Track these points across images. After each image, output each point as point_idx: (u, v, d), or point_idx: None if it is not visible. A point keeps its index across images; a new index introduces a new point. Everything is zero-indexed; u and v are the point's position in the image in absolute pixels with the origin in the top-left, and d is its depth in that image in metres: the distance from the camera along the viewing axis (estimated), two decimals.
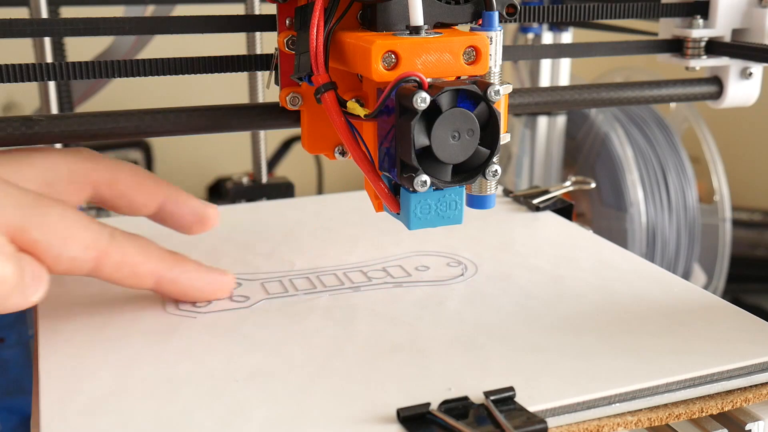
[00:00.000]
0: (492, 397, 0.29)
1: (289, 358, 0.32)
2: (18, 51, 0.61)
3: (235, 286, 0.39)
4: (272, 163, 1.17)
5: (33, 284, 0.31)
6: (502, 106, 0.35)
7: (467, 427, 0.27)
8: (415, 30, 0.31)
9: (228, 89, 0.75)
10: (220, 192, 1.14)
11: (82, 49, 0.62)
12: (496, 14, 0.33)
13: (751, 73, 0.47)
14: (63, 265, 0.32)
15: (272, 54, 0.38)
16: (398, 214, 0.33)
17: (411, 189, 0.30)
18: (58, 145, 0.51)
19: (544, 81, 0.94)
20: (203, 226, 0.40)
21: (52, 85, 0.67)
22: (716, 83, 0.48)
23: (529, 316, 0.36)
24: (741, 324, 0.35)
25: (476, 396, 0.29)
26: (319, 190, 1.28)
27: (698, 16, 0.46)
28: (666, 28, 0.48)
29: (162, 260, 0.35)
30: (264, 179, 0.67)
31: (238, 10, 0.81)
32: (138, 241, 0.35)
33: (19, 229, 0.31)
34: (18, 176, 0.35)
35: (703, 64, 0.46)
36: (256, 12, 0.62)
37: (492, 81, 0.34)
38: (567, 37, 0.93)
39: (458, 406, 0.28)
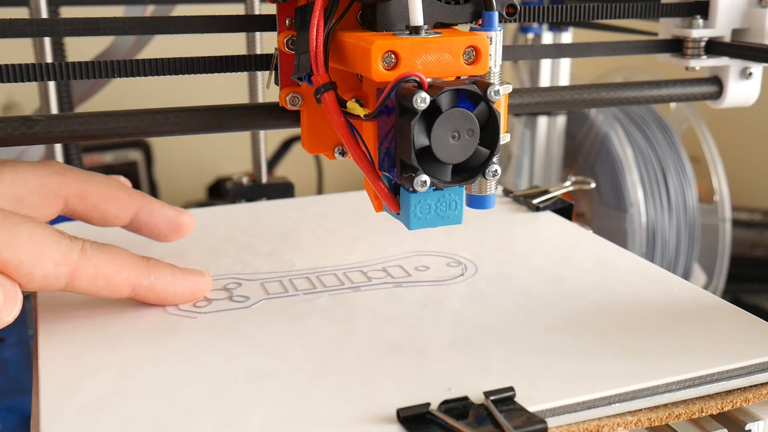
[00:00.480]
0: (492, 397, 0.29)
1: (289, 358, 0.32)
2: (18, 51, 0.62)
3: (212, 286, 0.38)
4: (272, 163, 1.17)
5: (6, 306, 0.30)
6: (502, 106, 0.35)
7: (467, 427, 0.27)
8: (415, 30, 0.31)
9: (228, 89, 0.75)
10: (220, 192, 1.14)
11: (82, 49, 0.62)
12: (496, 14, 0.33)
13: (751, 73, 0.47)
14: (36, 283, 0.32)
15: (272, 54, 0.38)
16: (398, 214, 0.33)
17: (411, 189, 0.30)
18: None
19: (544, 81, 0.94)
20: (178, 234, 0.40)
21: (52, 85, 0.67)
22: (716, 83, 0.48)
23: (529, 316, 0.36)
24: (741, 324, 0.35)
25: (476, 396, 0.29)
26: (319, 190, 1.28)
27: (698, 16, 0.46)
28: (666, 28, 0.48)
29: (136, 268, 0.35)
30: (264, 179, 0.67)
31: (238, 10, 0.81)
32: (110, 251, 0.34)
33: None
34: None
35: (703, 64, 0.46)
36: (256, 12, 0.62)
37: (492, 81, 0.34)
38: (567, 37, 0.93)
39: (458, 406, 0.28)
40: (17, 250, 0.31)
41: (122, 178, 0.42)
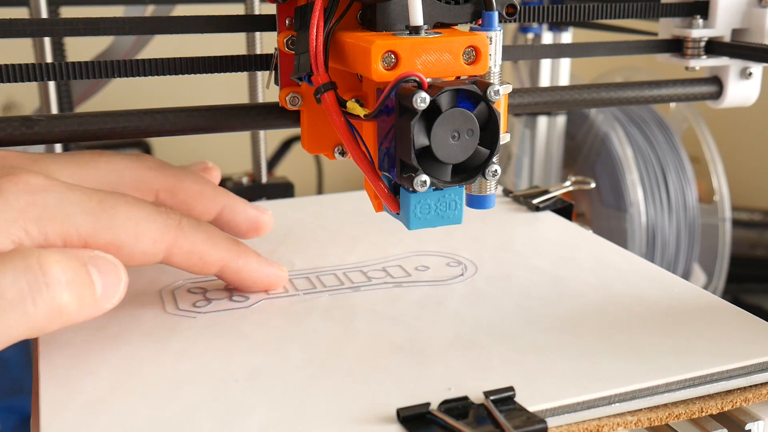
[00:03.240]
0: (492, 397, 0.29)
1: (289, 358, 0.32)
2: (18, 51, 0.62)
3: (286, 281, 0.39)
4: (272, 163, 1.17)
5: (105, 294, 0.31)
6: (501, 106, 0.35)
7: (467, 427, 0.27)
8: (415, 30, 0.31)
9: (228, 89, 0.75)
10: None
11: (82, 49, 0.62)
12: (496, 14, 0.33)
13: (750, 73, 0.47)
14: (135, 261, 0.33)
15: (272, 54, 0.38)
16: (398, 214, 0.33)
17: (411, 189, 0.30)
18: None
19: (544, 81, 0.94)
20: (257, 233, 0.41)
21: (52, 85, 0.67)
22: (716, 83, 0.48)
23: (529, 316, 0.36)
24: (741, 324, 0.35)
25: (476, 396, 0.29)
26: (319, 190, 1.28)
27: (698, 16, 0.46)
28: (666, 28, 0.48)
29: (228, 250, 0.36)
30: (264, 179, 0.67)
31: (238, 10, 0.81)
32: (206, 229, 0.35)
33: (90, 235, 0.31)
34: (83, 179, 0.35)
35: (702, 64, 0.46)
36: (256, 12, 0.62)
37: (492, 81, 0.34)
38: (567, 37, 0.93)
39: (458, 406, 0.28)
40: (116, 232, 0.32)
41: (209, 164, 0.43)
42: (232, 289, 0.39)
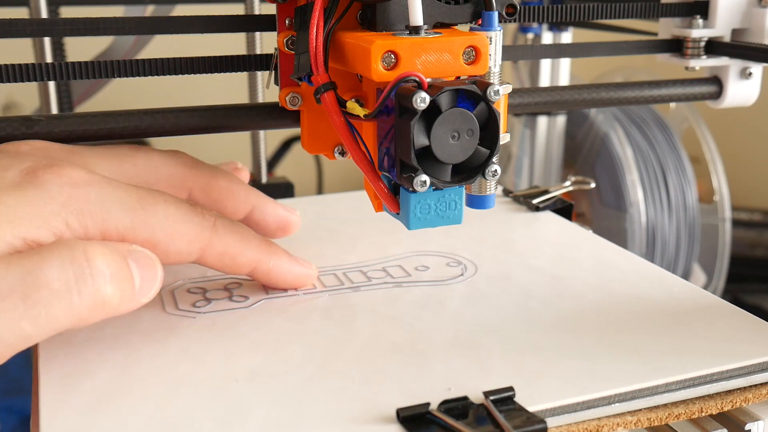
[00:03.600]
0: (492, 397, 0.29)
1: (289, 358, 0.32)
2: (18, 51, 0.62)
3: (316, 278, 0.40)
4: (272, 163, 1.17)
5: (143, 288, 0.31)
6: (501, 106, 0.35)
7: (467, 427, 0.27)
8: (415, 30, 0.31)
9: (228, 89, 0.75)
10: None
11: (82, 49, 0.62)
12: (496, 14, 0.33)
13: (750, 73, 0.47)
14: (170, 260, 0.33)
15: (272, 54, 0.38)
16: (398, 214, 0.33)
17: (410, 189, 0.30)
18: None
19: (544, 81, 0.94)
20: (285, 233, 0.42)
21: (52, 85, 0.67)
22: (716, 83, 0.48)
23: (529, 316, 0.36)
24: (741, 324, 0.35)
25: (476, 396, 0.29)
26: (319, 190, 1.28)
27: (698, 16, 0.46)
28: (666, 28, 0.48)
29: (260, 251, 0.36)
30: (264, 179, 0.67)
31: (238, 10, 0.81)
32: (239, 230, 0.36)
33: (129, 231, 0.31)
34: (120, 173, 0.36)
35: (702, 64, 0.46)
36: (256, 12, 0.62)
37: (492, 81, 0.34)
38: (567, 37, 0.93)
39: (458, 406, 0.28)
40: (154, 230, 0.32)
41: (239, 164, 0.43)
42: (231, 288, 0.39)
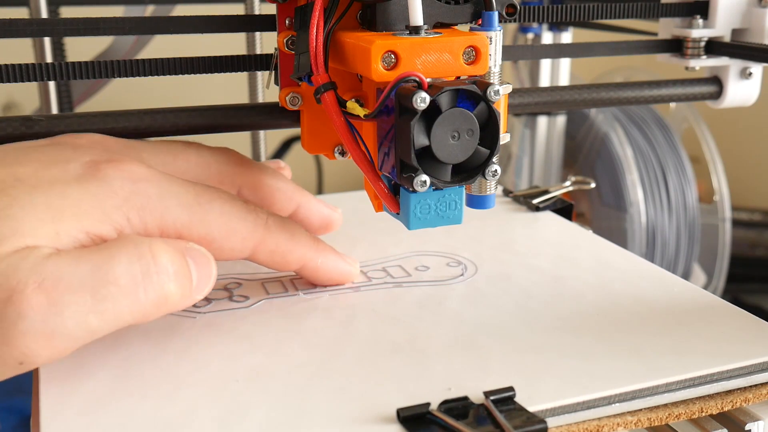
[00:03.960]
0: (492, 397, 0.29)
1: (289, 358, 0.32)
2: (18, 51, 0.62)
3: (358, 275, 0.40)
4: None
5: (199, 285, 0.31)
6: (501, 106, 0.35)
7: (467, 427, 0.27)
8: (415, 30, 0.31)
9: (228, 89, 0.75)
10: None
11: (82, 49, 0.62)
12: (496, 14, 0.33)
13: (750, 73, 0.47)
14: (224, 256, 0.33)
15: (272, 54, 0.38)
16: (398, 214, 0.33)
17: (411, 189, 0.30)
18: None
19: (544, 81, 0.94)
20: (326, 230, 0.43)
21: (52, 85, 0.67)
22: (716, 83, 0.48)
23: (529, 316, 0.36)
24: (741, 324, 0.35)
25: (476, 396, 0.29)
26: (319, 190, 1.28)
27: (698, 16, 0.46)
28: (666, 28, 0.48)
29: (309, 248, 0.37)
30: None
31: (238, 10, 0.81)
32: (290, 228, 0.36)
33: (186, 227, 0.32)
34: (173, 168, 0.36)
35: (702, 64, 0.46)
36: (256, 12, 0.62)
37: (492, 81, 0.34)
38: (567, 37, 0.93)
39: (458, 406, 0.28)
40: (210, 227, 0.32)
41: (282, 163, 0.43)
42: (231, 289, 0.39)
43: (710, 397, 0.31)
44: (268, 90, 0.44)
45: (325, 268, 0.38)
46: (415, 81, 0.30)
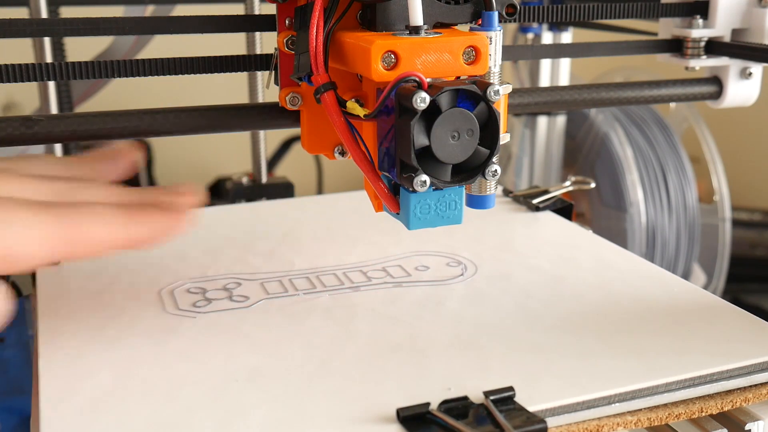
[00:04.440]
0: (492, 397, 0.29)
1: (289, 358, 0.32)
2: (18, 51, 0.61)
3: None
4: (272, 163, 1.17)
5: None
6: (501, 106, 0.35)
7: (467, 427, 0.27)
8: (415, 30, 0.31)
9: (228, 89, 0.75)
10: (220, 192, 1.14)
11: (82, 49, 0.62)
12: (496, 14, 0.33)
13: (750, 73, 0.47)
14: (29, 265, 0.29)
15: (272, 54, 0.38)
16: (398, 214, 0.33)
17: (411, 189, 0.30)
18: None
19: (544, 81, 0.94)
20: (127, 162, 0.36)
21: (52, 85, 0.67)
22: (716, 83, 0.48)
23: (529, 316, 0.36)
24: (741, 324, 0.35)
25: (476, 396, 0.29)
26: (319, 190, 1.28)
27: (698, 16, 0.46)
28: (666, 28, 0.48)
29: (114, 224, 0.31)
30: (264, 179, 0.67)
31: (238, 10, 0.80)
32: (84, 212, 0.31)
33: None
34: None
35: (702, 64, 0.46)
36: (256, 12, 0.62)
37: (492, 81, 0.34)
38: (567, 37, 0.93)
39: (458, 406, 0.28)
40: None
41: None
42: (231, 289, 0.39)
43: (710, 396, 0.31)
44: (268, 90, 0.44)
45: (141, 236, 0.31)
46: (415, 81, 0.30)
